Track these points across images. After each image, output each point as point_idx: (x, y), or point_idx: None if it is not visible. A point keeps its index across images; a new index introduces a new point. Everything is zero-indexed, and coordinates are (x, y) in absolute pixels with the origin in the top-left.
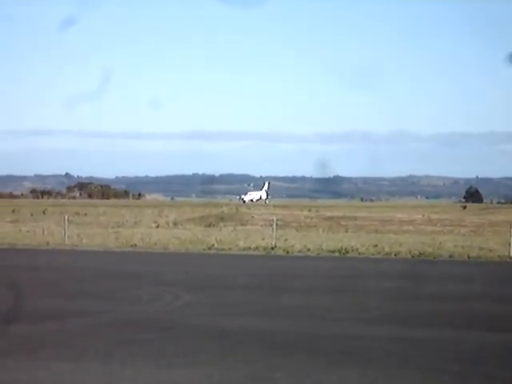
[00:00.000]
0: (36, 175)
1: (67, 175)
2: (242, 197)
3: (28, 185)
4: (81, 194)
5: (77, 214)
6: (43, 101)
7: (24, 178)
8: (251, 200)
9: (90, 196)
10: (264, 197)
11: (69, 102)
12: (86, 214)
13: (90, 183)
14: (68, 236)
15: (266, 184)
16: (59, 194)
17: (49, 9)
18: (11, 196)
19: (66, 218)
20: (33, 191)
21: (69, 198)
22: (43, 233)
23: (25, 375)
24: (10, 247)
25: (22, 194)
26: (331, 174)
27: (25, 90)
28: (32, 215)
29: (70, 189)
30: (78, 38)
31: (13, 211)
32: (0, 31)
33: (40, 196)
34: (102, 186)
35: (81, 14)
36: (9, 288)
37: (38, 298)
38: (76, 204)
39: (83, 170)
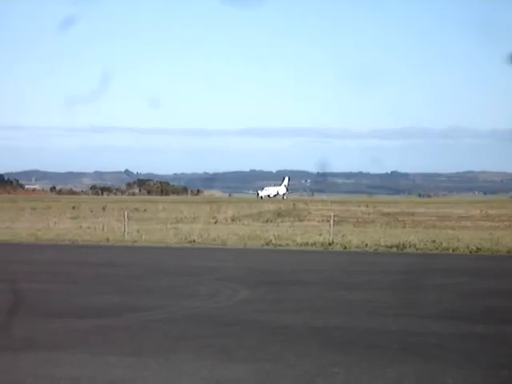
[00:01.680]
0: (96, 172)
1: (127, 172)
2: (258, 192)
3: (88, 181)
4: (140, 191)
5: (136, 210)
6: (103, 98)
7: (84, 174)
8: (268, 196)
9: (149, 192)
10: (282, 192)
11: (128, 100)
12: (145, 210)
13: (149, 180)
14: (128, 232)
15: (286, 179)
16: (119, 191)
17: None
18: (71, 192)
19: (126, 214)
20: (93, 188)
21: (128, 195)
22: (103, 229)
23: (85, 370)
24: (70, 243)
25: (82, 191)
26: (388, 170)
27: (83, 88)
28: (92, 211)
29: (129, 185)
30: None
31: (73, 208)
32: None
33: (100, 192)
34: (161, 183)
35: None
36: (69, 283)
37: (98, 293)
38: (135, 200)
39: (143, 166)
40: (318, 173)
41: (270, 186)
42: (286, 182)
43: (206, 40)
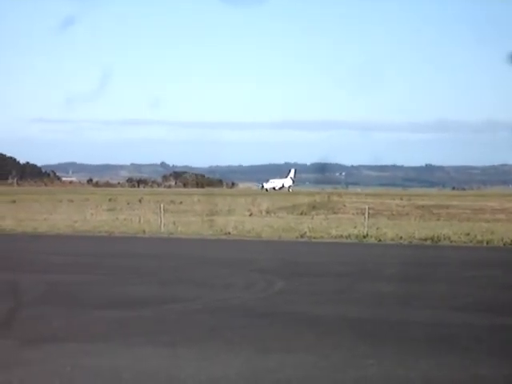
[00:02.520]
0: (132, 164)
1: (163, 164)
2: (263, 184)
3: (124, 174)
4: (176, 183)
5: (172, 202)
6: (136, 91)
7: (121, 167)
8: (273, 188)
9: (184, 185)
10: (287, 184)
11: (162, 93)
12: (181, 203)
13: (184, 172)
14: (164, 224)
15: (292, 171)
16: (155, 183)
17: None
18: (108, 185)
19: (162, 206)
20: (129, 180)
21: (164, 187)
22: (139, 221)
23: (121, 360)
24: (107, 235)
25: (118, 183)
26: (423, 163)
27: (118, 82)
28: (128, 204)
29: (165, 178)
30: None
31: (110, 200)
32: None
33: (136, 185)
34: (196, 175)
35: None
36: (106, 275)
37: (135, 284)
38: (171, 193)
39: (178, 159)
40: (352, 165)
41: (303, 177)
42: (292, 174)
43: (229, 33)
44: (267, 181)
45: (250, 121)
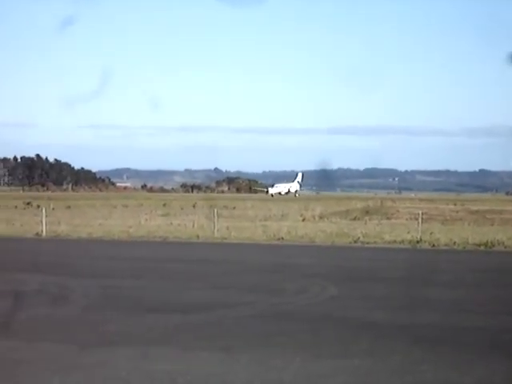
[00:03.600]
0: (186, 170)
1: (216, 170)
2: (268, 189)
3: (178, 179)
4: (229, 188)
5: (225, 207)
6: (189, 98)
7: (174, 172)
8: (279, 193)
9: (238, 190)
10: (294, 189)
11: (215, 98)
12: (234, 208)
13: (238, 177)
14: (217, 229)
15: (300, 175)
16: (208, 188)
17: None
18: (162, 190)
19: (215, 211)
20: (183, 185)
21: (217, 192)
22: (193, 226)
23: (178, 365)
24: (161, 240)
25: (172, 189)
26: (477, 168)
27: (172, 90)
28: (182, 209)
29: (218, 183)
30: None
31: (164, 205)
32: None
33: (190, 190)
34: (249, 180)
35: None
36: (161, 279)
37: (189, 289)
38: (225, 198)
39: (232, 164)
40: (406, 171)
41: (356, 183)
42: (299, 178)
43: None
44: (272, 186)
45: (303, 126)
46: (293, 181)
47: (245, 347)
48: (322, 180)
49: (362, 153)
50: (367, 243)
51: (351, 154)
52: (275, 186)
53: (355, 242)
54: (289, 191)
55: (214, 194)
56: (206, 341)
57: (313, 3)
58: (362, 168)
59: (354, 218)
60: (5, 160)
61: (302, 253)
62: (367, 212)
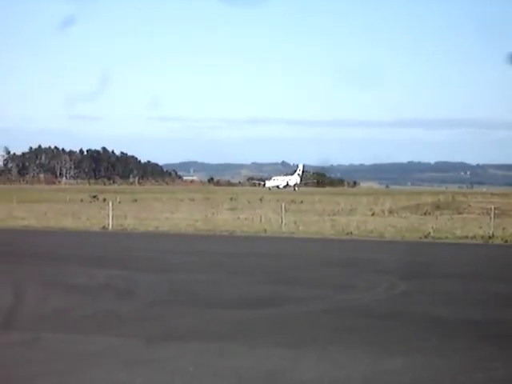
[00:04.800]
0: (253, 163)
1: (283, 163)
2: (265, 182)
3: (245, 173)
4: None
5: (293, 201)
6: (255, 90)
7: (242, 166)
8: (277, 187)
9: (305, 184)
10: (293, 182)
11: (282, 91)
12: (301, 202)
13: (305, 171)
14: (285, 223)
15: (300, 166)
16: None
17: None
18: (229, 184)
19: (283, 205)
20: (250, 179)
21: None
22: (260, 220)
23: (244, 361)
24: (228, 234)
25: (239, 182)
26: None
27: (239, 81)
28: (249, 203)
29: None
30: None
31: (231, 199)
32: None
33: (257, 184)
34: (317, 174)
35: None
36: (228, 274)
37: (256, 283)
38: (292, 192)
39: (299, 158)
40: (477, 164)
41: (426, 177)
42: (299, 169)
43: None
44: (269, 178)
45: (373, 119)
46: (293, 173)
47: (313, 343)
48: (391, 173)
49: (433, 146)
50: (438, 238)
51: (422, 148)
52: (273, 178)
53: (425, 237)
54: (287, 184)
55: (281, 188)
56: (273, 336)
57: None
58: (432, 161)
59: (425, 213)
60: (71, 153)
61: (371, 248)
62: (438, 207)
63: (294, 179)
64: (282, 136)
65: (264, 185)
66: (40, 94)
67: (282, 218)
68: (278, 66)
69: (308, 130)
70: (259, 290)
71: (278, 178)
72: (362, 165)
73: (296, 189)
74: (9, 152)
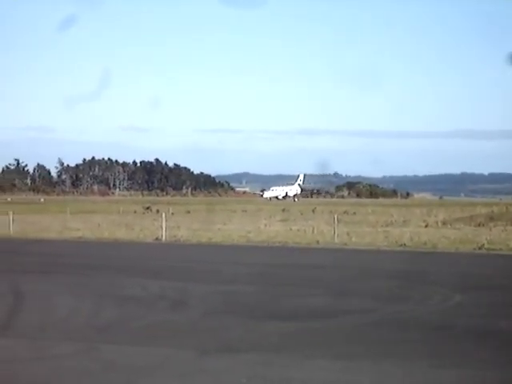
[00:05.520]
0: (305, 174)
1: (336, 175)
2: (263, 192)
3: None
4: (349, 193)
5: (345, 212)
6: (308, 100)
7: (294, 177)
8: (276, 197)
9: (358, 195)
10: (293, 192)
11: (334, 102)
12: (354, 213)
13: (358, 182)
14: (337, 235)
15: (301, 176)
16: (328, 193)
17: None
18: None
19: (336, 216)
20: (302, 190)
21: (337, 197)
22: (313, 231)
23: (297, 372)
24: (281, 246)
25: None
26: None
27: (287, 93)
28: (301, 214)
29: (338, 188)
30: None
31: (283, 210)
32: None
33: (309, 195)
34: (370, 185)
35: None
36: (279, 285)
37: (308, 295)
38: (344, 203)
39: (351, 169)
40: None
41: (480, 188)
42: (300, 179)
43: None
44: (268, 189)
45: (426, 130)
46: (293, 183)
47: (365, 355)
48: (444, 184)
49: (486, 157)
50: (492, 250)
51: (475, 159)
52: (271, 189)
53: (479, 248)
54: (286, 195)
55: (334, 199)
56: (325, 348)
57: None
58: (486, 173)
59: (478, 224)
60: (124, 164)
61: (425, 259)
62: (492, 218)
63: (295, 189)
64: (334, 147)
65: (262, 195)
66: (94, 106)
67: (334, 229)
68: (330, 77)
69: (360, 140)
70: (312, 302)
71: (277, 188)
72: (415, 176)
73: (296, 199)
74: (63, 164)
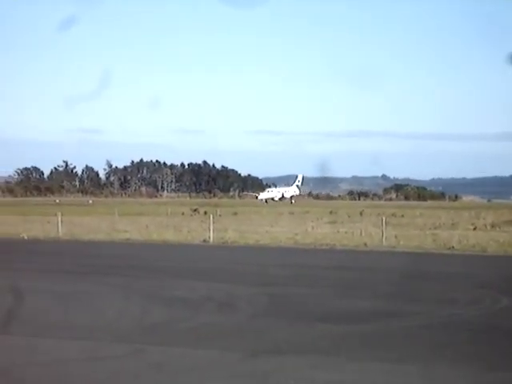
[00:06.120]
0: (353, 177)
1: (384, 177)
2: (259, 194)
3: (345, 186)
4: (397, 196)
5: (393, 215)
6: (356, 102)
7: (341, 179)
8: (272, 199)
9: (406, 198)
10: (290, 194)
11: (382, 104)
12: (402, 216)
13: (406, 185)
14: (385, 237)
15: (300, 176)
16: (376, 196)
17: None
18: (328, 197)
19: (384, 219)
20: (350, 193)
21: (385, 200)
22: (361, 234)
23: (345, 375)
24: (328, 248)
25: (339, 196)
26: None
27: (334, 94)
28: (349, 216)
29: (386, 190)
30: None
31: (330, 212)
32: None
33: (357, 197)
34: (418, 188)
35: None
36: (326, 288)
37: (357, 298)
38: (392, 205)
39: (399, 171)
40: None
41: None
42: (298, 180)
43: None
44: (264, 190)
45: (473, 132)
46: (291, 185)
47: (414, 358)
48: (493, 187)
49: None
50: None
51: None
52: (267, 190)
53: None
54: (283, 196)
55: (382, 202)
56: (373, 351)
57: None
58: None
59: None
60: (172, 166)
61: (473, 262)
62: None
63: (292, 191)
64: (382, 149)
65: (257, 197)
66: (142, 108)
67: (382, 231)
68: (377, 79)
69: (409, 142)
70: (359, 305)
71: (273, 189)
72: (463, 178)
73: (292, 201)
74: (111, 165)
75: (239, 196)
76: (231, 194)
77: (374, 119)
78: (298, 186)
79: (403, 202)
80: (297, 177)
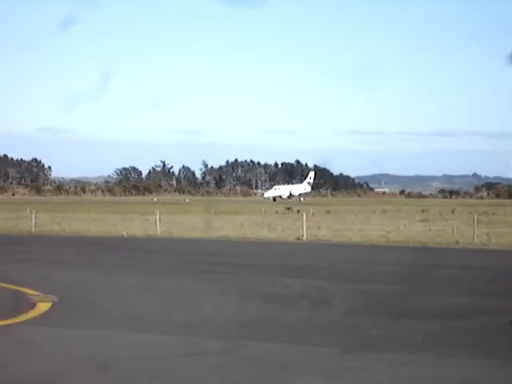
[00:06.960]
0: (444, 175)
1: (475, 175)
2: (265, 192)
3: (436, 185)
4: (488, 194)
5: (485, 213)
6: (446, 101)
7: (433, 178)
8: (280, 197)
9: (497, 196)
10: (299, 192)
11: (472, 103)
12: (493, 214)
13: (497, 183)
14: (477, 235)
15: (311, 174)
16: (467, 194)
17: None
18: (420, 196)
19: (475, 217)
20: (441, 191)
21: (476, 198)
22: (452, 232)
23: (438, 371)
24: (420, 246)
25: (430, 194)
26: None
27: (423, 93)
28: (441, 214)
29: (477, 189)
30: None
31: (422, 211)
32: None
33: (448, 196)
34: (509, 186)
35: None
36: (420, 286)
37: (447, 295)
38: (484, 204)
39: (491, 170)
40: None
41: None
42: (310, 177)
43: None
44: (271, 188)
45: None
46: (302, 181)
47: (509, 355)
48: None
49: None
50: None
51: None
52: (274, 188)
53: None
54: (291, 194)
55: (473, 200)
56: (468, 347)
57: None
58: None
59: None
60: (266, 166)
61: None
62: None
63: (302, 188)
64: (473, 148)
65: (263, 194)
66: (236, 109)
67: (474, 229)
68: (464, 77)
69: (500, 141)
70: (452, 302)
71: (281, 187)
72: None
73: (302, 199)
74: (207, 165)
75: (331, 194)
76: (323, 192)
77: (465, 118)
78: (309, 182)
79: (495, 201)
80: (308, 173)
